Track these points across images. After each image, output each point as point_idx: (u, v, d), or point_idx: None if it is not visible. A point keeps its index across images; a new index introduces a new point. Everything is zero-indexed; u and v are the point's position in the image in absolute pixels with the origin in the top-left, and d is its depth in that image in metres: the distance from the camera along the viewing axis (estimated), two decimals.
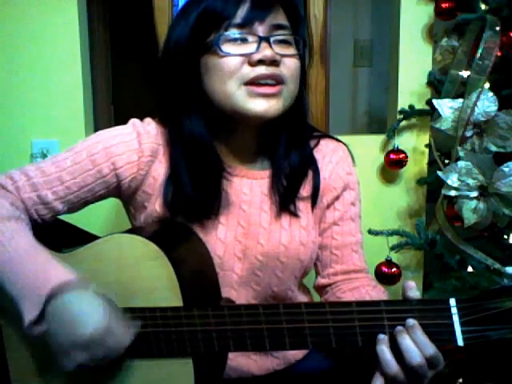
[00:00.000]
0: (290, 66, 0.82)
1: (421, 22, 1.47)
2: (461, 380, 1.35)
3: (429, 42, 1.48)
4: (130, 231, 0.86)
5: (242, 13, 0.79)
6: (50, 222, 0.86)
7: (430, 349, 0.66)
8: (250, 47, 0.79)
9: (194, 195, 0.84)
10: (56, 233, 0.90)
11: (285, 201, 0.89)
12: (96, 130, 1.62)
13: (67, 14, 1.46)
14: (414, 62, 1.49)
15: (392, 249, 1.38)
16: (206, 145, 0.84)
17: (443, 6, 1.40)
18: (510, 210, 1.25)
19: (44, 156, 1.48)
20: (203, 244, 0.85)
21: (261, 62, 0.79)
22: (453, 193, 1.30)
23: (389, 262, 1.42)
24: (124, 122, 0.91)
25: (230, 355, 0.82)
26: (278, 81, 0.80)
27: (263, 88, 0.79)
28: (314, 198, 0.92)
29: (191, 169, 0.85)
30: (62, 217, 0.90)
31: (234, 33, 0.79)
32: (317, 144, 0.94)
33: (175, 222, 0.87)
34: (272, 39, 0.80)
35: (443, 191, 1.32)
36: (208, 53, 0.81)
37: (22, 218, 0.80)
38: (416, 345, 0.66)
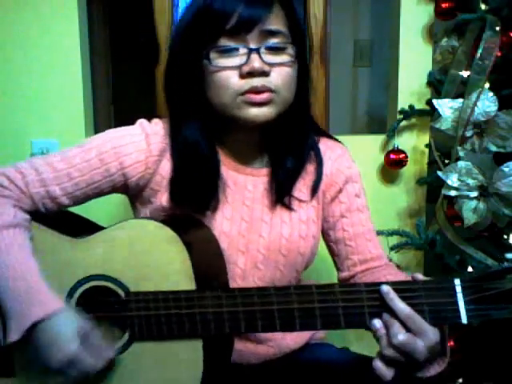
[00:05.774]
0: (281, 74, 0.82)
1: (421, 22, 1.48)
2: (461, 380, 1.35)
3: (429, 41, 1.48)
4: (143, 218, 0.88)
5: (235, 16, 0.79)
6: (54, 212, 0.88)
7: (405, 310, 0.71)
8: (241, 58, 0.80)
9: (194, 192, 0.87)
10: (68, 223, 0.92)
11: (280, 195, 0.91)
12: (96, 129, 1.62)
13: (67, 14, 1.46)
14: (414, 62, 1.49)
15: (392, 249, 1.38)
16: (202, 150, 0.87)
17: (443, 5, 1.40)
18: (510, 209, 1.25)
19: None
20: (213, 234, 0.88)
21: (250, 73, 0.80)
22: (453, 193, 1.30)
23: None
24: (124, 121, 0.91)
25: None
26: (269, 90, 0.81)
27: (256, 96, 0.81)
28: (315, 188, 0.94)
29: (189, 170, 0.87)
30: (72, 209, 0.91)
31: (224, 45, 0.81)
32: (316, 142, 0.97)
33: (185, 213, 0.89)
34: (262, 49, 0.80)
35: (443, 191, 1.32)
36: (205, 61, 0.82)
37: (20, 224, 0.81)
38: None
